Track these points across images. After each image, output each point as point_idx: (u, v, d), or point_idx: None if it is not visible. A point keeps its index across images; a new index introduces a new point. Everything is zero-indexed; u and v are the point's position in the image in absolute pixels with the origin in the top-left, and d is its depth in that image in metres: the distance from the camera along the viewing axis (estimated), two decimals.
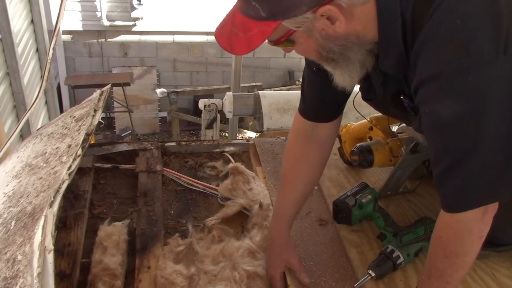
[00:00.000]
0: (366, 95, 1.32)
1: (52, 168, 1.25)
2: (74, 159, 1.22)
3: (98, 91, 1.62)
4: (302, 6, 0.96)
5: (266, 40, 1.07)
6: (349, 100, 1.82)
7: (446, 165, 1.03)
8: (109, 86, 1.68)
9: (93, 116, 1.44)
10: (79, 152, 1.25)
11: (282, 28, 1.01)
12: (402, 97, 1.20)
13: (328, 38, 1.04)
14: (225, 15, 1.09)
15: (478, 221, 1.04)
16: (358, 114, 1.54)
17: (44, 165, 1.32)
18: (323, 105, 1.37)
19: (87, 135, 1.34)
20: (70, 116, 1.54)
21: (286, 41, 1.06)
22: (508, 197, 1.03)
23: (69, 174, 1.17)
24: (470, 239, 1.06)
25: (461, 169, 1.01)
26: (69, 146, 1.33)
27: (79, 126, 1.41)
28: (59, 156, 1.30)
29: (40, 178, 1.26)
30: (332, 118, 1.40)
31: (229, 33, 1.05)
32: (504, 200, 1.12)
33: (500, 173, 1.00)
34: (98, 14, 6.77)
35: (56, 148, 1.37)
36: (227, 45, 1.06)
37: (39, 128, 1.74)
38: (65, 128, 1.48)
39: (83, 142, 1.30)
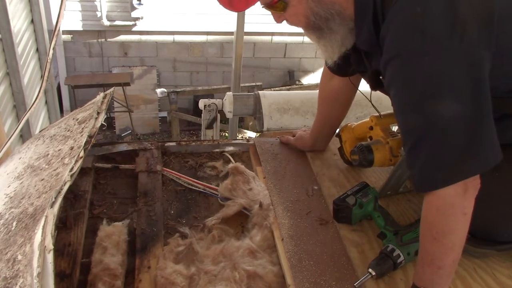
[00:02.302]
0: (358, 68, 1.42)
1: (54, 170, 1.25)
2: (76, 161, 1.23)
3: (102, 94, 1.62)
4: None
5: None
6: None
7: (410, 145, 1.09)
8: (112, 89, 1.68)
9: (96, 118, 1.44)
10: (81, 154, 1.25)
11: None
12: (381, 78, 1.30)
13: (318, 1, 1.17)
14: None
15: (460, 197, 1.06)
16: (358, 114, 1.54)
17: (46, 166, 1.32)
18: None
19: (90, 137, 1.34)
20: (73, 119, 1.54)
21: (279, 2, 1.18)
22: (476, 173, 1.06)
23: (71, 176, 1.17)
24: (453, 215, 1.08)
25: (421, 148, 1.06)
26: (72, 148, 1.33)
27: (82, 128, 1.41)
28: (61, 158, 1.30)
29: (42, 179, 1.26)
30: (342, 75, 1.61)
31: None
32: (503, 192, 1.13)
33: (461, 151, 1.04)
34: (98, 14, 6.78)
35: (59, 150, 1.37)
36: (227, 4, 1.19)
37: (41, 130, 1.74)
38: (68, 131, 1.48)
39: (85, 144, 1.30)
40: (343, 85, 1.66)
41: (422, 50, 1.02)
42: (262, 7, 1.23)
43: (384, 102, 1.58)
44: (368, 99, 1.56)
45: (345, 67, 1.48)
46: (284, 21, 1.27)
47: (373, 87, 1.41)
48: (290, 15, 1.22)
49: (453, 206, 1.07)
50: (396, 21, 1.07)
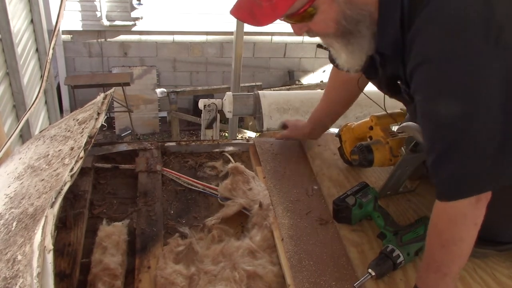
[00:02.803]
0: (367, 73, 1.35)
1: (54, 170, 1.25)
2: (77, 161, 1.22)
3: (102, 95, 1.62)
4: None
5: (278, 20, 1.06)
6: None
7: (438, 153, 1.05)
8: (112, 90, 1.68)
9: (96, 119, 1.44)
10: (82, 154, 1.25)
11: None
12: (399, 82, 1.23)
13: (350, 3, 1.06)
14: None
15: (472, 207, 1.05)
16: (358, 114, 1.54)
17: (47, 167, 1.32)
18: None
19: (90, 137, 1.34)
20: (73, 119, 1.54)
21: (309, 8, 1.05)
22: (499, 186, 1.05)
23: (71, 176, 1.17)
24: (465, 225, 1.07)
25: (451, 158, 1.03)
26: (72, 148, 1.33)
27: (82, 129, 1.41)
28: (62, 158, 1.30)
29: (42, 180, 1.26)
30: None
31: (250, 5, 1.04)
32: (505, 193, 1.12)
33: (490, 163, 1.02)
34: (98, 14, 6.77)
35: (59, 150, 1.37)
36: (249, 17, 1.04)
37: (41, 131, 1.74)
38: (68, 131, 1.48)
39: (85, 144, 1.30)
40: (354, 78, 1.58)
41: (457, 55, 0.98)
42: (282, 19, 1.10)
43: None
44: (370, 102, 1.54)
45: None
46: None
47: (387, 93, 1.36)
48: (317, 22, 1.10)
49: (466, 216, 1.06)
50: (428, 24, 1.01)
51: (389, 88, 1.30)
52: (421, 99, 1.06)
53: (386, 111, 1.61)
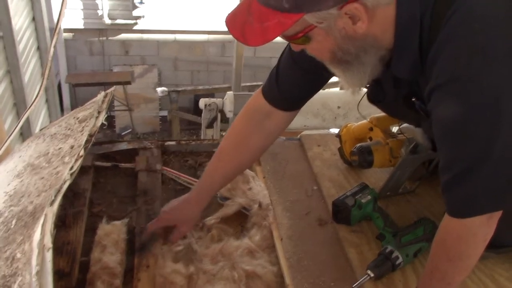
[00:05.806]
0: (374, 98, 1.31)
1: (54, 168, 1.25)
2: (76, 160, 1.22)
3: (102, 93, 1.62)
4: (329, 0, 0.93)
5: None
6: (350, 100, 1.83)
7: (457, 171, 1.02)
8: (113, 88, 1.68)
9: (97, 117, 1.44)
10: (82, 152, 1.25)
11: (301, 22, 0.97)
12: (414, 99, 1.20)
13: (347, 38, 1.02)
14: (239, 3, 1.05)
15: (483, 225, 1.04)
16: (358, 115, 1.54)
17: (46, 165, 1.32)
18: (295, 90, 1.35)
19: (90, 136, 1.33)
20: (74, 118, 1.54)
21: (303, 37, 1.02)
22: None
23: (71, 174, 1.17)
24: (475, 243, 1.06)
25: (471, 177, 1.00)
26: (72, 146, 1.33)
27: (82, 127, 1.41)
28: (62, 157, 1.30)
29: (42, 178, 1.26)
30: (293, 108, 1.41)
31: (243, 23, 1.00)
32: None
33: (508, 183, 1.00)
34: (100, 12, 6.78)
35: (59, 148, 1.37)
36: (240, 35, 1.00)
37: (42, 129, 1.74)
38: (68, 129, 1.48)
39: (85, 143, 1.30)
40: (282, 123, 1.45)
41: (483, 72, 0.92)
42: (283, 38, 1.06)
43: None
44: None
45: (307, 93, 1.35)
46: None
47: (395, 113, 1.33)
48: (313, 49, 1.08)
49: (476, 235, 1.05)
50: (450, 40, 0.96)
51: (408, 107, 1.25)
52: (442, 117, 1.02)
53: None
